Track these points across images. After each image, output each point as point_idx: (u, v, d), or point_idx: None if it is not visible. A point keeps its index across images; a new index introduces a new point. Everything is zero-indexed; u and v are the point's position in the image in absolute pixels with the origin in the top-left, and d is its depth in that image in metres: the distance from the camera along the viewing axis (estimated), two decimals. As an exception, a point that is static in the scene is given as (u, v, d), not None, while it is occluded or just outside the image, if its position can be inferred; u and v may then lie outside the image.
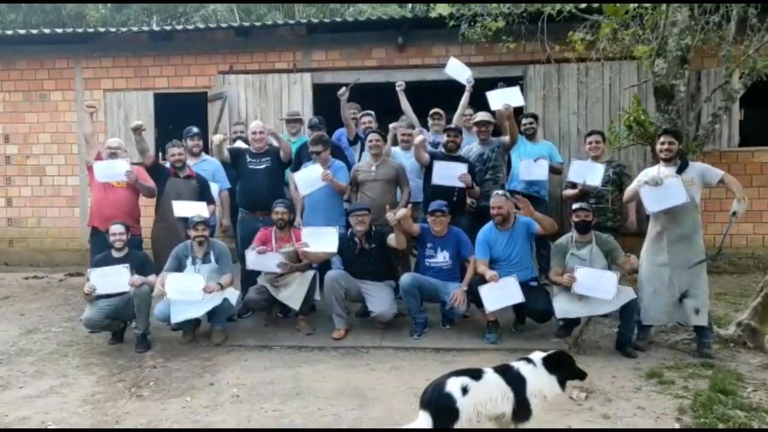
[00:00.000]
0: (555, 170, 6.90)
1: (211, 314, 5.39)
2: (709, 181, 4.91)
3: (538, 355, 3.38)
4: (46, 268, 8.97)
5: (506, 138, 6.26)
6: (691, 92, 7.66)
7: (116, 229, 5.41)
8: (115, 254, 5.41)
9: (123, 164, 5.75)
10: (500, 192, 5.39)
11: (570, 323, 5.34)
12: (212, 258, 5.47)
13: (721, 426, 3.62)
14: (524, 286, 5.11)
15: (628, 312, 5.00)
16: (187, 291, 5.19)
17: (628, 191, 5.19)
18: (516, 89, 6.18)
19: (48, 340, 5.62)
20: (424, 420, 3.03)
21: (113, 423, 3.90)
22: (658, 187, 4.79)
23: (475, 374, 3.21)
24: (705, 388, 4.17)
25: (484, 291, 5.08)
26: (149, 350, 5.26)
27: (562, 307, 5.09)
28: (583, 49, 6.91)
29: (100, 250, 5.66)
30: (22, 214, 9.48)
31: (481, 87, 8.87)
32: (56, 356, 5.21)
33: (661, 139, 5.01)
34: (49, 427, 3.86)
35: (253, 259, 5.49)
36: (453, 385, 3.10)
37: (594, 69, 8.11)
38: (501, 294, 5.08)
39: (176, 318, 5.26)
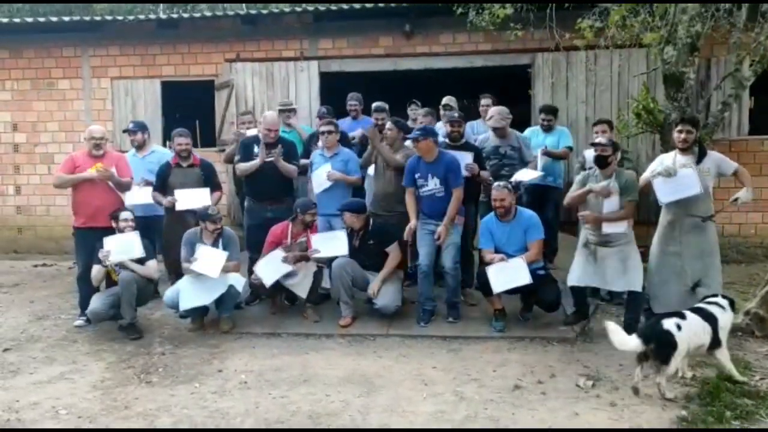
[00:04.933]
0: (559, 156, 6.86)
1: (219, 301, 5.42)
2: (724, 172, 4.90)
3: (723, 300, 4.18)
4: (55, 256, 9.02)
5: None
6: (700, 80, 7.59)
7: (127, 215, 5.43)
8: None
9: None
10: (502, 184, 5.35)
11: (580, 310, 5.33)
12: (221, 246, 5.49)
13: (728, 413, 3.62)
14: (532, 274, 5.09)
15: (635, 301, 5.01)
16: (210, 266, 5.24)
17: (642, 180, 5.12)
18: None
19: (58, 327, 5.67)
20: (637, 341, 3.81)
21: (123, 408, 3.94)
22: (672, 177, 4.74)
23: (681, 315, 3.95)
24: (712, 376, 4.16)
25: (491, 271, 5.09)
26: (142, 337, 5.28)
27: (574, 275, 5.13)
28: (592, 37, 6.84)
29: (86, 249, 5.54)
30: (31, 202, 9.52)
31: (490, 75, 8.91)
32: (66, 343, 5.26)
33: (679, 127, 4.92)
34: (60, 415, 3.90)
35: (263, 269, 5.49)
36: (669, 323, 3.83)
37: (603, 57, 8.04)
38: (508, 275, 5.07)
39: (185, 305, 5.30)
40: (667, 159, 4.98)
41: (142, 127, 6.74)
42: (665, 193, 4.82)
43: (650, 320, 3.98)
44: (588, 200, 5.08)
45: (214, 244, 5.47)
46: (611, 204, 4.94)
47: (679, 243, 4.88)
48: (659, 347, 3.79)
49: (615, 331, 3.88)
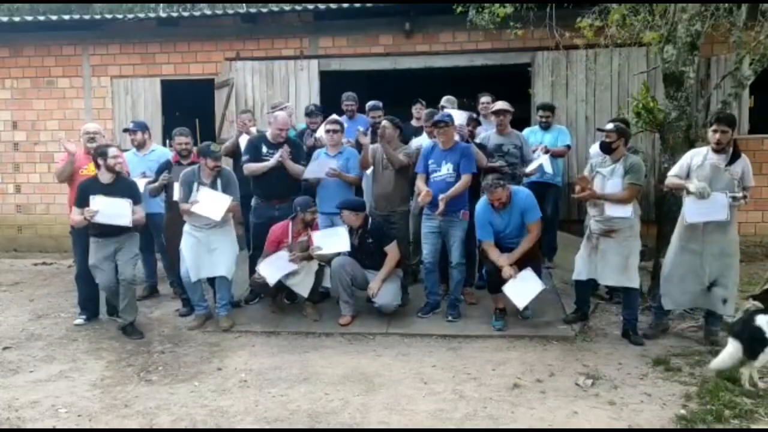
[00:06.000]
0: (558, 154, 6.88)
1: (214, 289, 5.56)
2: (743, 181, 4.76)
3: None
4: (55, 254, 9.02)
5: None
6: (700, 79, 7.58)
7: (115, 151, 5.28)
8: (104, 180, 5.23)
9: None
10: (492, 183, 5.20)
11: (581, 308, 5.33)
12: (219, 186, 5.44)
13: (727, 412, 3.63)
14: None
15: (632, 298, 5.02)
16: (213, 209, 5.27)
17: (673, 178, 4.90)
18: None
19: (57, 326, 5.66)
20: (735, 346, 3.97)
21: (122, 407, 3.94)
22: (704, 200, 4.62)
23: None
24: (712, 375, 4.17)
25: (508, 290, 5.11)
26: (143, 337, 5.28)
27: (576, 269, 5.18)
28: (592, 36, 6.84)
29: (83, 247, 5.49)
30: (31, 201, 9.52)
31: (490, 73, 8.90)
32: (66, 341, 5.26)
33: (714, 127, 4.69)
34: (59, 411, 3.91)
35: (266, 268, 5.48)
36: (761, 321, 3.97)
37: (603, 55, 8.04)
38: (524, 288, 5.11)
39: (194, 276, 5.40)
40: (697, 156, 4.82)
41: (142, 127, 6.73)
42: (693, 213, 4.71)
43: (741, 317, 4.19)
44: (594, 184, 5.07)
45: (213, 184, 5.43)
46: (614, 186, 4.94)
47: (702, 242, 4.79)
48: (751, 343, 3.94)
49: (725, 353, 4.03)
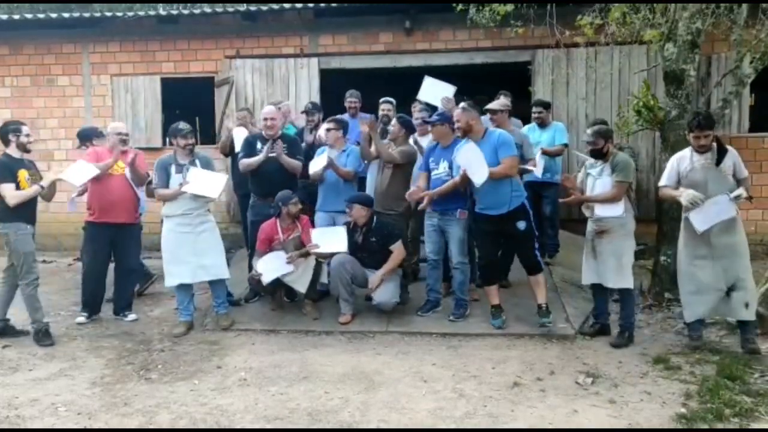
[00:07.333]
0: (555, 153, 6.86)
1: (212, 288, 5.54)
2: (736, 174, 4.71)
3: None
4: (54, 253, 9.00)
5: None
6: (701, 77, 7.57)
7: (28, 130, 5.26)
8: (15, 155, 5.20)
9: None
10: (461, 104, 5.28)
11: (599, 318, 5.24)
12: (198, 167, 5.41)
13: (727, 411, 3.62)
14: (514, 231, 5.12)
15: (628, 299, 4.99)
16: (209, 187, 5.28)
17: (666, 190, 4.87)
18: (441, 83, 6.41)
19: (57, 324, 5.64)
20: None
21: (122, 405, 3.94)
22: (703, 206, 4.56)
23: None
24: (712, 373, 4.17)
25: None
26: (53, 344, 5.10)
27: (584, 273, 5.16)
28: (593, 34, 6.83)
29: (97, 243, 5.69)
30: (31, 199, 9.52)
31: (491, 71, 8.89)
32: (65, 339, 5.26)
33: (695, 133, 4.62)
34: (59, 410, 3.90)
35: (264, 266, 5.48)
36: None
37: (603, 53, 8.05)
38: None
39: (169, 282, 5.36)
40: (684, 160, 4.77)
41: (85, 137, 6.54)
42: (701, 221, 4.62)
43: None
44: (585, 187, 5.08)
45: (191, 165, 5.40)
46: (604, 185, 4.92)
47: (709, 246, 4.68)
48: None
49: None
